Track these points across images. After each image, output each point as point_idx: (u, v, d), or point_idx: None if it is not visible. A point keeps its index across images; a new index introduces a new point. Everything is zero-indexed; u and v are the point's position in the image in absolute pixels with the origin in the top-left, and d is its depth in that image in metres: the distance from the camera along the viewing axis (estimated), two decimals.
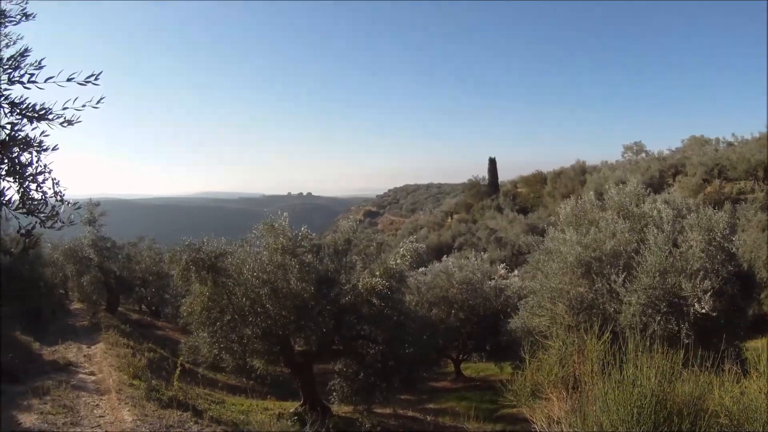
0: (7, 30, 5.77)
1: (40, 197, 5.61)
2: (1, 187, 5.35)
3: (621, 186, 12.63)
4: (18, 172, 5.45)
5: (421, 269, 22.11)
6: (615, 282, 9.97)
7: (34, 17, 5.87)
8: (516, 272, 24.45)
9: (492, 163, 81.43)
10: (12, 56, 5.49)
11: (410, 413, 15.07)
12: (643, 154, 57.54)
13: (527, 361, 7.30)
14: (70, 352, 14.56)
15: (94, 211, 24.84)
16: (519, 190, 74.44)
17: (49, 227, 5.65)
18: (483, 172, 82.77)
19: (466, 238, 58.26)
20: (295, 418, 10.73)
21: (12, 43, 5.71)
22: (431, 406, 17.03)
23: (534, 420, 3.57)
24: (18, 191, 5.48)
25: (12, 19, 5.79)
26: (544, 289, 11.27)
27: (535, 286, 12.12)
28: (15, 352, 12.26)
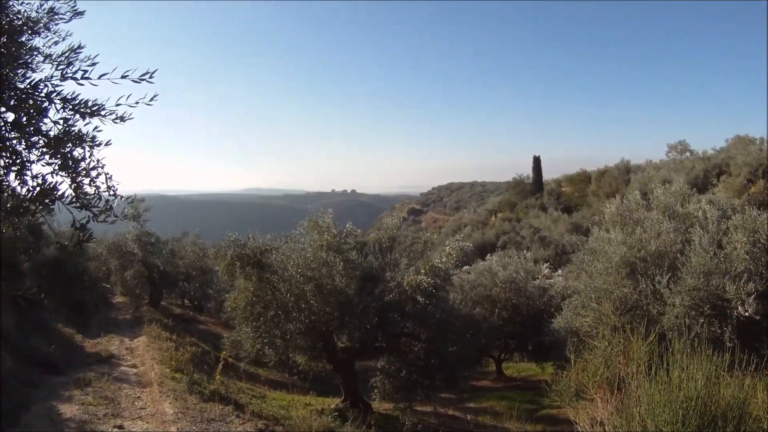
0: (57, 27, 5.89)
1: (93, 192, 5.72)
2: (55, 181, 5.47)
3: (666, 186, 12.45)
4: (71, 167, 5.57)
5: (464, 267, 21.97)
6: (659, 283, 9.85)
7: (83, 15, 6.00)
8: (560, 272, 24.18)
9: (536, 161, 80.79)
10: (64, 52, 5.61)
11: (450, 412, 15.02)
12: (688, 153, 56.28)
13: (572, 361, 7.25)
14: (112, 344, 14.79)
15: (138, 206, 25.14)
16: (563, 188, 73.56)
17: (101, 221, 5.76)
18: (527, 171, 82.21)
19: (510, 236, 57.89)
20: (336, 414, 10.77)
21: (61, 39, 5.85)
22: (471, 405, 16.96)
23: (577, 421, 3.54)
24: (71, 186, 5.60)
25: (62, 16, 5.92)
26: (588, 289, 11.18)
27: (579, 286, 12.02)
28: (57, 344, 12.51)
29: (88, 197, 5.65)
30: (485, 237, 61.02)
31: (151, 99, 5.63)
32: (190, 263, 28.43)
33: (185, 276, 28.55)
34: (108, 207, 5.75)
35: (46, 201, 5.35)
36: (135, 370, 11.60)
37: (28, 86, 5.51)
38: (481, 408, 16.07)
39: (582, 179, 70.82)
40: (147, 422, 8.44)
